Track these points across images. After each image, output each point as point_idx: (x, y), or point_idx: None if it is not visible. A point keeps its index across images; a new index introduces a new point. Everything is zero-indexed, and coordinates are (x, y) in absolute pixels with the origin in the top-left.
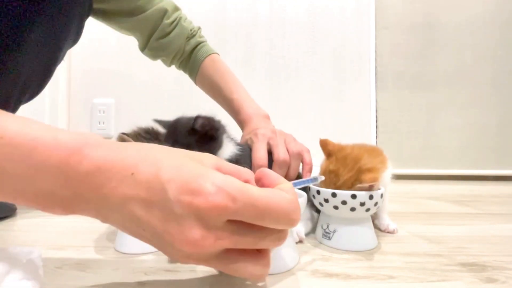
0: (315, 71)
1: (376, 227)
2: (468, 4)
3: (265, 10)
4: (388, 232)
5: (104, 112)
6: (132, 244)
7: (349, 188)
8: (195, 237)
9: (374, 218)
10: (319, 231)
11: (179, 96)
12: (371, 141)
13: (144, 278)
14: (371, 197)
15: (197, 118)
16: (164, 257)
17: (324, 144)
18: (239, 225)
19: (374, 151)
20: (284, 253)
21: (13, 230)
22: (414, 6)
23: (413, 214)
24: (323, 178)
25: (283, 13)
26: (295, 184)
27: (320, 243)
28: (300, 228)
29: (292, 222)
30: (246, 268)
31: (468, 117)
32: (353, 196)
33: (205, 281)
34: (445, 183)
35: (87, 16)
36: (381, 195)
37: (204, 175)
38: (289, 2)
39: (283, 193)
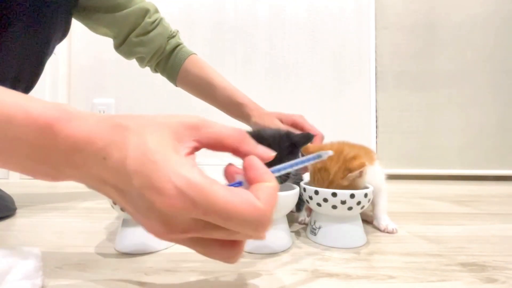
0: (315, 71)
1: (376, 227)
2: (468, 4)
3: (265, 10)
4: (387, 232)
5: (104, 112)
6: (132, 244)
7: (342, 179)
8: (160, 231)
9: (374, 217)
10: (308, 227)
11: (179, 97)
12: (371, 141)
13: (144, 278)
14: (352, 195)
15: (291, 133)
16: (164, 257)
17: (305, 150)
18: (206, 222)
19: (354, 145)
20: (278, 235)
21: (13, 230)
22: (414, 6)
23: (413, 214)
24: (330, 153)
25: (283, 13)
26: (302, 161)
27: (308, 238)
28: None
29: (258, 234)
30: (217, 254)
31: (468, 117)
32: (334, 194)
33: (205, 281)
34: (445, 183)
35: (72, 10)
36: (365, 195)
37: (168, 174)
38: (288, 2)
39: (255, 202)
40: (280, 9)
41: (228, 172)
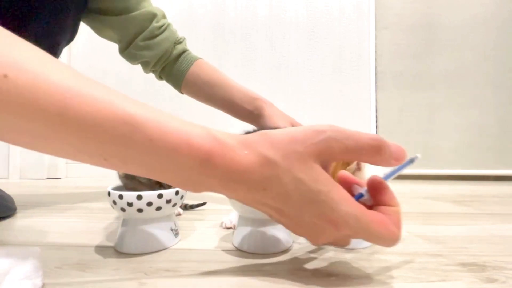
0: (315, 71)
1: None
2: (468, 4)
3: (265, 10)
4: None
5: None
6: (132, 244)
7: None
8: (314, 240)
9: None
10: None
11: (179, 97)
12: None
13: (144, 278)
14: (160, 196)
15: None
16: (164, 257)
17: None
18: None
19: None
20: (280, 236)
21: (13, 230)
22: (414, 6)
23: (413, 214)
24: (419, 156)
25: (283, 13)
26: (402, 167)
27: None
28: (233, 217)
29: (389, 245)
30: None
31: (468, 117)
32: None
33: (205, 281)
34: (445, 183)
35: (81, 14)
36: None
37: (338, 212)
38: (289, 2)
39: (393, 227)
40: (280, 9)
41: (344, 180)
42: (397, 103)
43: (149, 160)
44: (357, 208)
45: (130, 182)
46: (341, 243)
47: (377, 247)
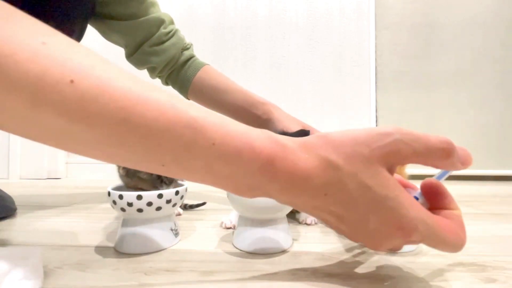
0: (315, 71)
1: None
2: (468, 4)
3: (265, 10)
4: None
5: None
6: (132, 244)
7: None
8: (375, 247)
9: None
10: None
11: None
12: None
13: (144, 278)
14: (160, 195)
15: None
16: (164, 257)
17: None
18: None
19: None
20: (280, 236)
21: (13, 230)
22: (414, 6)
23: None
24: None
25: (283, 13)
26: (443, 174)
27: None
28: (233, 217)
29: (455, 251)
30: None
31: (468, 117)
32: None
33: (205, 281)
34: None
35: (89, 18)
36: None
37: (408, 219)
38: (288, 2)
39: (460, 232)
40: (280, 9)
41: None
42: (397, 103)
43: (211, 164)
44: (426, 214)
45: (131, 180)
46: (397, 248)
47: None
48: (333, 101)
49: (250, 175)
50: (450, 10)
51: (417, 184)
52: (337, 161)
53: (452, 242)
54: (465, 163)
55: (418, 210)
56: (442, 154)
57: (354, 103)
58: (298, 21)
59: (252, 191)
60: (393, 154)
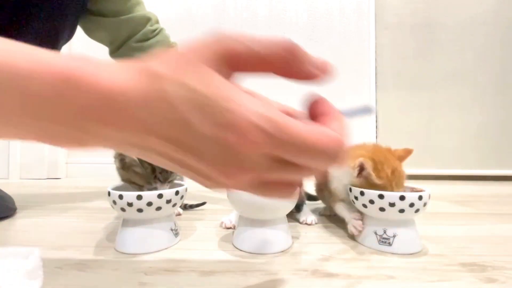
0: None
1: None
2: (468, 4)
3: (265, 10)
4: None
5: None
6: (132, 244)
7: (355, 178)
8: (227, 173)
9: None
10: (371, 237)
11: None
12: (371, 141)
13: (144, 278)
14: (160, 195)
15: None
16: (164, 257)
17: None
18: (275, 160)
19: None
20: (280, 236)
21: (13, 230)
22: (414, 6)
23: None
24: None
25: (283, 13)
26: (346, 114)
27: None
28: (233, 217)
29: (332, 164)
30: (276, 194)
31: (468, 117)
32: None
33: (205, 281)
34: (445, 183)
35: (81, 15)
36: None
37: (241, 112)
38: (288, 2)
39: (330, 132)
40: (280, 9)
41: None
42: (397, 103)
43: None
44: (271, 108)
45: (126, 173)
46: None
47: (379, 248)
48: (333, 101)
49: (44, 102)
50: (450, 10)
51: (417, 184)
52: (157, 68)
53: (320, 146)
54: (320, 68)
55: (261, 105)
56: (283, 51)
57: (354, 103)
58: (298, 21)
59: (69, 136)
60: (223, 52)
